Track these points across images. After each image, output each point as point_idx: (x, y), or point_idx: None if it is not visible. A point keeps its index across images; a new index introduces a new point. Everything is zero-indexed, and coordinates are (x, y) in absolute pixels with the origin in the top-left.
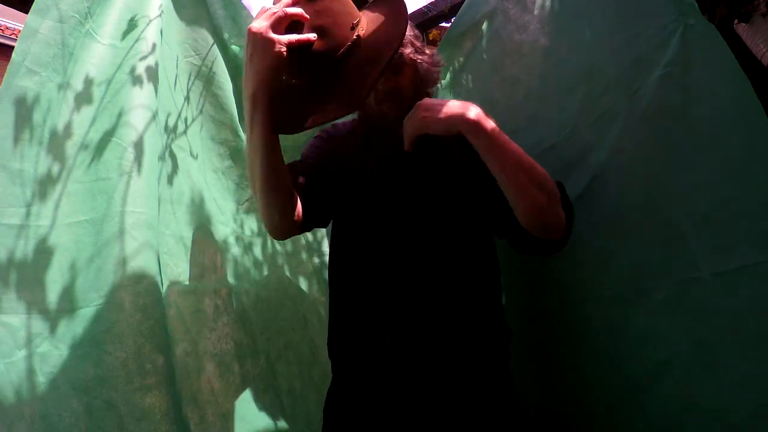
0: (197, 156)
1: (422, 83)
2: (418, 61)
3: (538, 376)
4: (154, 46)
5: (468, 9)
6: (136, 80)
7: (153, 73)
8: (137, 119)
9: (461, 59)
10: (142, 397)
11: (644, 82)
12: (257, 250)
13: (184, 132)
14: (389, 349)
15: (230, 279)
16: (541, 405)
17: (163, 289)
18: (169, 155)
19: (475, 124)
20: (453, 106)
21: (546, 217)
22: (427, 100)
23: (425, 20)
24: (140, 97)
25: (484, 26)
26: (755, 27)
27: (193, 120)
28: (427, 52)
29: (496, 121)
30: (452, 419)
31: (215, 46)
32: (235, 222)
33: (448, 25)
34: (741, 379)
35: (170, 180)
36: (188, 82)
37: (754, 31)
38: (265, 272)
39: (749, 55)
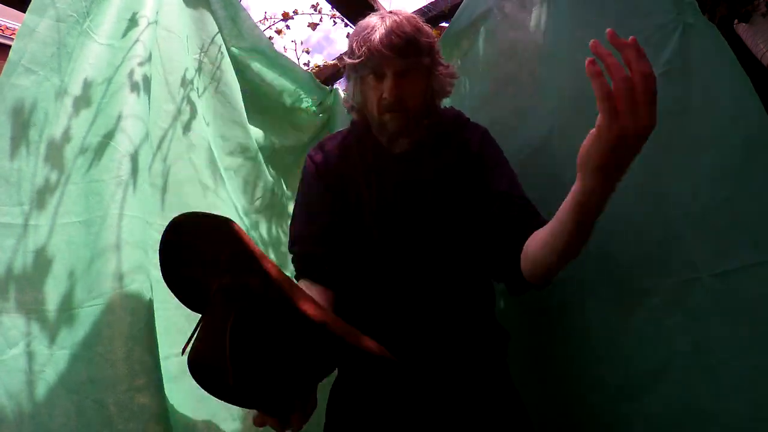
0: (214, 155)
1: (433, 95)
2: (434, 70)
3: (536, 376)
4: (150, 52)
5: (465, 8)
6: (134, 85)
7: (147, 83)
8: (132, 126)
9: (459, 59)
10: (132, 398)
11: None
12: (269, 249)
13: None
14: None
15: None
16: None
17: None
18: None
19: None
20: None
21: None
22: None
23: (425, 20)
24: (135, 105)
25: (481, 25)
26: (755, 27)
27: (202, 112)
28: (443, 63)
29: (489, 119)
30: (454, 416)
31: (221, 44)
32: (248, 220)
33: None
34: (739, 380)
35: (191, 179)
36: (195, 79)
37: (754, 31)
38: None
39: (749, 55)
